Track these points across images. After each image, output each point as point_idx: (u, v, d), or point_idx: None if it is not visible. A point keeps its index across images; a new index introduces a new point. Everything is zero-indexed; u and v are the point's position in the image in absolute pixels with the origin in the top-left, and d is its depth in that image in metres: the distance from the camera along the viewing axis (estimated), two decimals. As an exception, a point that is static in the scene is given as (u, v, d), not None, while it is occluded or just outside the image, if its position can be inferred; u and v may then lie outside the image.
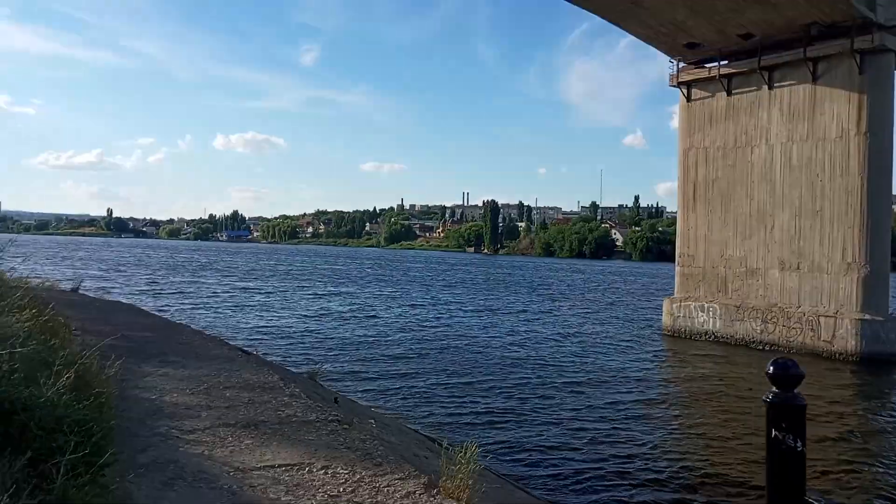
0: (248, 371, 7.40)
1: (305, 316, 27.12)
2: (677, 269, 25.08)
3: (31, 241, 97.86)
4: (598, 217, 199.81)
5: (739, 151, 23.10)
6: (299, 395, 6.33)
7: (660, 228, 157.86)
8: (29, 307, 4.77)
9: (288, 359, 16.91)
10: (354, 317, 27.62)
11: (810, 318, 20.74)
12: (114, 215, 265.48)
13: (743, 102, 22.91)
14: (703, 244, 24.16)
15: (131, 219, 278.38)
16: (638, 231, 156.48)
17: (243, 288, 40.66)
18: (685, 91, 24.50)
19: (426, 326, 25.32)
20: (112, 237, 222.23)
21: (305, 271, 64.36)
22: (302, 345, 19.96)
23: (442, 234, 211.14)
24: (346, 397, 10.71)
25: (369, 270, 69.91)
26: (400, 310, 30.84)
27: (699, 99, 24.21)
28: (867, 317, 19.63)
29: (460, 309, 31.85)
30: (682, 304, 24.31)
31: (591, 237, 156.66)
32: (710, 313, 23.41)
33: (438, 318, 28.32)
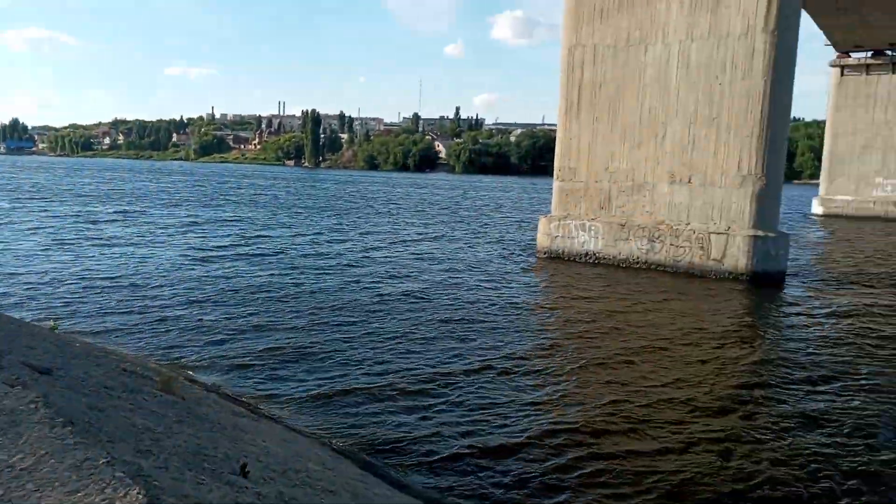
0: None
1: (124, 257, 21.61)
2: (556, 184, 22.63)
3: None
4: (420, 129, 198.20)
5: (632, 50, 20.61)
6: None
7: (480, 140, 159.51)
8: None
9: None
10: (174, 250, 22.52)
11: (700, 235, 19.23)
12: None
13: (639, -8, 20.31)
14: (586, 156, 21.78)
15: None
16: (460, 143, 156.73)
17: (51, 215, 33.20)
18: (573, -21, 21.45)
19: (270, 258, 21.09)
20: None
21: (112, 191, 55.81)
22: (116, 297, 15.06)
23: (258, 147, 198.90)
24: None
25: (182, 188, 62.23)
26: (231, 238, 26.00)
27: (587, -14, 21.30)
28: (759, 233, 18.41)
29: (302, 234, 27.55)
30: (562, 222, 22.01)
31: (415, 150, 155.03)
32: (592, 232, 21.33)
33: (280, 246, 24.02)
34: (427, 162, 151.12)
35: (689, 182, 19.61)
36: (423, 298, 15.02)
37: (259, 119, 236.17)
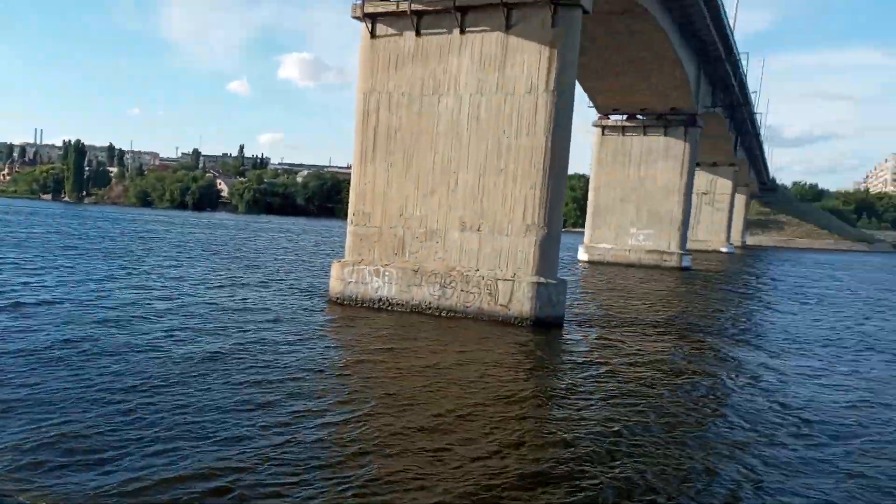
0: None
1: None
2: (350, 228, 22.23)
3: None
4: (201, 165, 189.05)
5: (426, 100, 21.04)
6: None
7: (266, 180, 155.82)
8: None
9: None
10: None
11: (489, 281, 19.87)
12: None
13: (433, 45, 20.79)
14: (381, 201, 21.68)
15: None
16: (244, 182, 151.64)
17: None
18: (369, 25, 21.41)
19: (36, 309, 18.22)
20: None
21: None
22: None
23: (8, 178, 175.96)
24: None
25: None
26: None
27: (385, 36, 21.40)
28: (542, 280, 19.45)
29: (68, 281, 24.31)
30: (356, 267, 21.60)
31: (194, 187, 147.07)
32: (386, 278, 21.17)
33: (48, 295, 20.95)
34: (208, 200, 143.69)
35: (479, 230, 20.26)
36: (210, 357, 13.62)
37: (10, 147, 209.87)
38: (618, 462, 8.85)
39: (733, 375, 14.81)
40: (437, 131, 20.96)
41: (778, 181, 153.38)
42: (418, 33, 20.79)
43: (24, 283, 21.95)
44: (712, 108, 53.96)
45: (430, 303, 20.42)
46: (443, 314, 20.09)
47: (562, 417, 10.72)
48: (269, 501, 7.18)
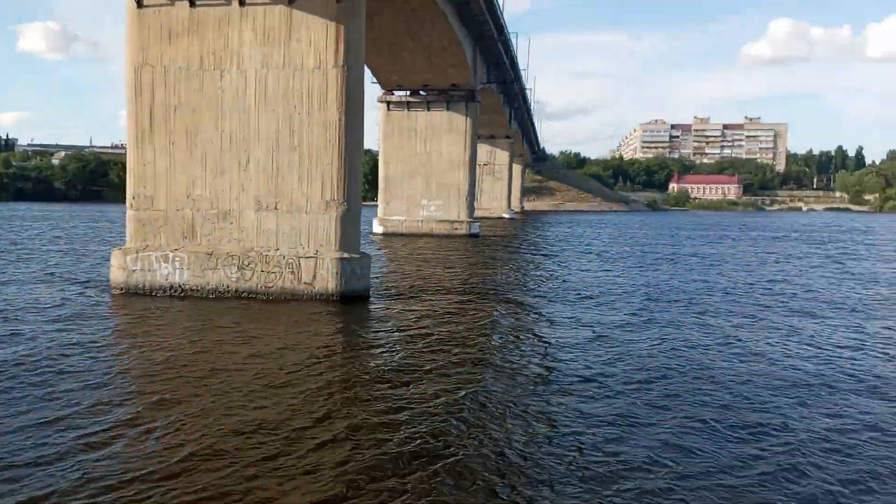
0: None
1: None
2: (130, 213, 20.46)
3: None
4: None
5: (208, 75, 19.82)
6: None
7: (14, 163, 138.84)
8: None
9: None
10: None
11: (290, 260, 19.48)
12: None
13: (210, 17, 19.55)
14: (164, 183, 20.18)
15: None
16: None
17: None
18: (137, -7, 19.68)
19: None
20: None
21: None
22: None
23: None
24: None
25: None
26: None
27: (155, 6, 19.70)
28: (345, 255, 19.47)
29: None
30: (140, 254, 20.00)
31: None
32: (177, 263, 19.87)
33: None
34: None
35: (277, 208, 19.72)
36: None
37: None
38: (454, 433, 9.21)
39: (544, 331, 16.06)
40: (223, 108, 19.92)
41: (547, 151, 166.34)
42: (192, 4, 19.49)
43: None
44: (488, 83, 57.05)
45: (227, 286, 19.56)
46: (242, 296, 19.37)
47: (392, 395, 10.75)
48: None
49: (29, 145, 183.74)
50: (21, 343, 13.63)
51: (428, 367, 12.32)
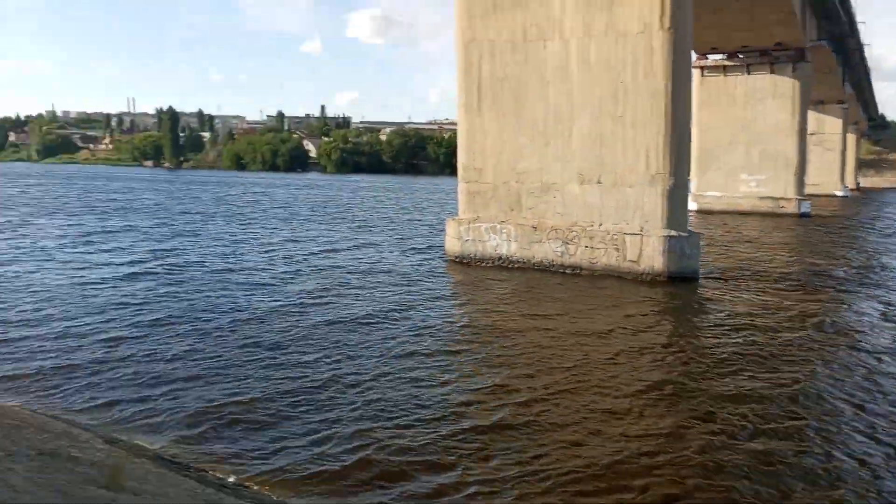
0: None
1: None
2: (461, 185, 21.53)
3: None
4: (287, 127, 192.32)
5: (531, 46, 19.84)
6: None
7: (350, 139, 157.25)
8: None
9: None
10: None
11: (615, 236, 18.80)
12: None
13: (534, -13, 19.55)
14: (492, 156, 20.83)
15: None
16: (331, 142, 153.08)
17: None
18: (465, -32, 20.35)
19: (184, 275, 18.70)
20: None
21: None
22: None
23: (111, 146, 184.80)
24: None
25: (51, 193, 55.70)
26: (135, 253, 23.07)
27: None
28: (673, 233, 18.21)
29: (204, 246, 24.72)
30: (471, 225, 20.95)
31: (283, 149, 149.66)
32: (504, 235, 20.43)
33: (186, 260, 21.50)
34: (298, 161, 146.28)
35: (600, 182, 19.12)
36: (356, 321, 13.41)
37: (108, 117, 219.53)
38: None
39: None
40: (546, 79, 19.78)
41: (887, 118, 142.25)
42: (529, -24, 19.52)
43: (167, 250, 22.58)
44: (819, 41, 49.76)
45: (552, 260, 19.57)
46: (567, 271, 19.22)
47: (737, 387, 9.76)
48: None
49: (360, 122, 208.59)
50: (377, 301, 15.01)
51: (767, 358, 11.13)
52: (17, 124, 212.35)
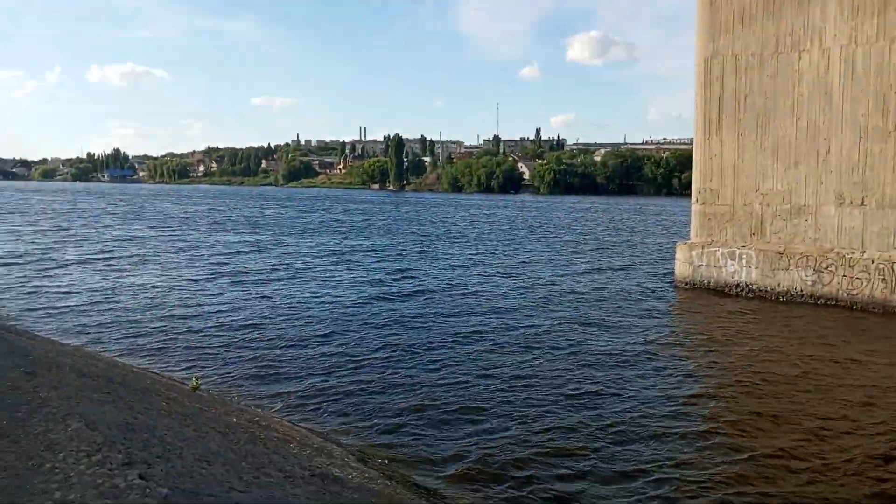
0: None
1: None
2: (695, 207, 20.44)
3: None
4: (502, 150, 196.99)
5: (783, 58, 18.37)
6: None
7: (564, 161, 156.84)
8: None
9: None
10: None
11: (880, 265, 16.68)
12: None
13: (791, -6, 18.11)
14: (731, 176, 19.55)
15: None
16: (544, 164, 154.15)
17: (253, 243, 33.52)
18: (712, -20, 19.42)
19: (423, 295, 19.83)
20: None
21: (253, 219, 56.76)
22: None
23: (344, 171, 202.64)
24: None
25: (311, 215, 62.39)
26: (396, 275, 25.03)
27: (730, -8, 19.22)
28: (954, 262, 15.75)
29: (441, 269, 25.93)
30: (706, 250, 19.79)
31: (498, 171, 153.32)
32: (744, 261, 19.03)
33: (426, 283, 22.78)
34: (511, 183, 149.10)
35: (863, 204, 17.11)
36: (562, 340, 13.26)
37: (342, 144, 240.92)
38: None
39: None
40: (799, 93, 18.16)
41: None
42: (775, -18, 18.17)
43: (407, 269, 24.15)
44: None
45: (800, 289, 17.85)
46: (818, 302, 17.41)
47: None
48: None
49: (574, 144, 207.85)
50: (609, 331, 14.62)
51: None
52: (268, 153, 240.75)
